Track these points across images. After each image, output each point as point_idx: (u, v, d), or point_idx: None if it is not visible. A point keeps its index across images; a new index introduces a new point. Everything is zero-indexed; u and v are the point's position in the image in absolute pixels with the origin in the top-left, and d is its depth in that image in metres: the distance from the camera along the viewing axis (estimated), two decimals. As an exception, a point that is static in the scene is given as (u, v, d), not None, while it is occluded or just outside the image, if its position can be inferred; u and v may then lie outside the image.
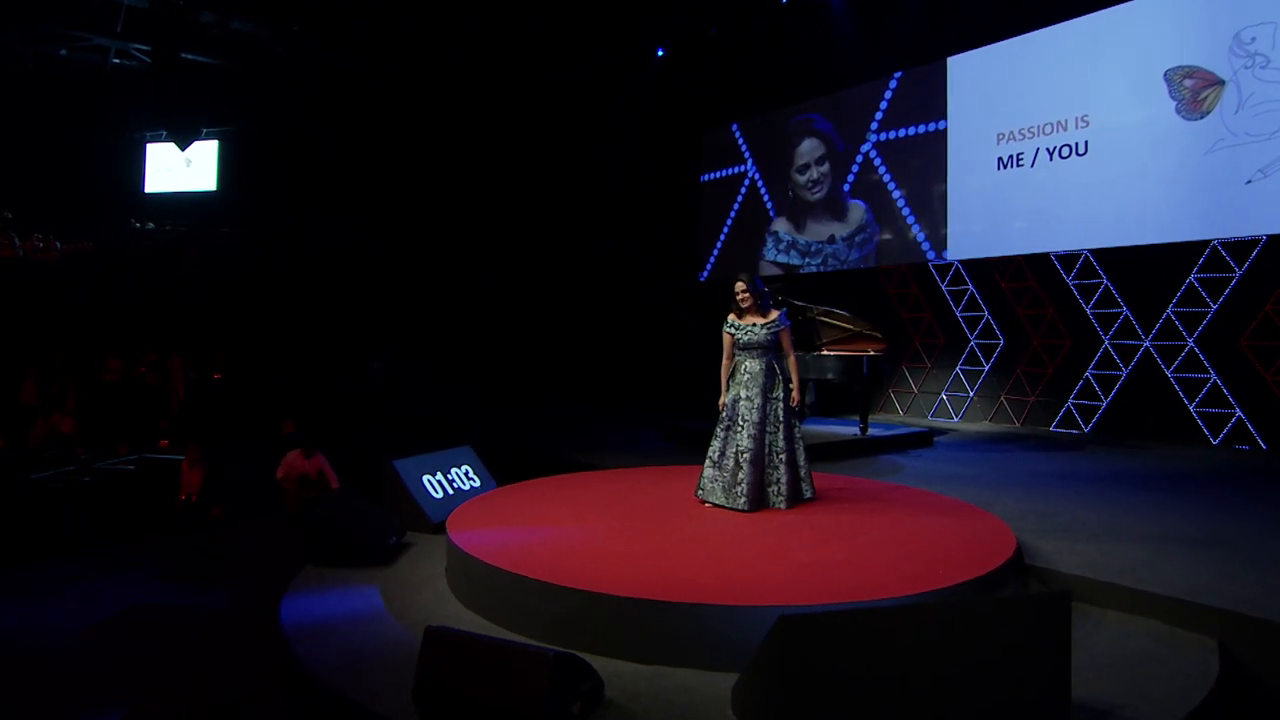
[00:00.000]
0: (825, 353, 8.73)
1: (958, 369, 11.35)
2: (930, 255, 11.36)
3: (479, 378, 13.67)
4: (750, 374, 5.32)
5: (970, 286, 11.19)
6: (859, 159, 12.25)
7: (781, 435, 5.29)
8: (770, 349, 5.37)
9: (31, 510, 6.32)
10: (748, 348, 5.36)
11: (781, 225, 13.47)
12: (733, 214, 14.31)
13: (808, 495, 5.36)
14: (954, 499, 5.70)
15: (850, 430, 8.77)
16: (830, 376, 8.56)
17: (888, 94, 11.80)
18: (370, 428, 10.27)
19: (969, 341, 11.24)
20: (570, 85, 14.38)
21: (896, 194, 11.76)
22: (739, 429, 5.27)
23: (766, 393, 5.30)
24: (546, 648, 2.75)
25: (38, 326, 12.18)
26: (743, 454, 5.21)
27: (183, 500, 7.11)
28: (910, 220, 11.56)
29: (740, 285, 5.37)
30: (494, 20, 13.57)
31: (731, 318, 5.41)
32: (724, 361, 5.46)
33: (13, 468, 6.85)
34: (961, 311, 11.32)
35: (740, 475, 5.19)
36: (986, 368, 11.03)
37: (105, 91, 15.11)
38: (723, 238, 14.47)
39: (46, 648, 4.95)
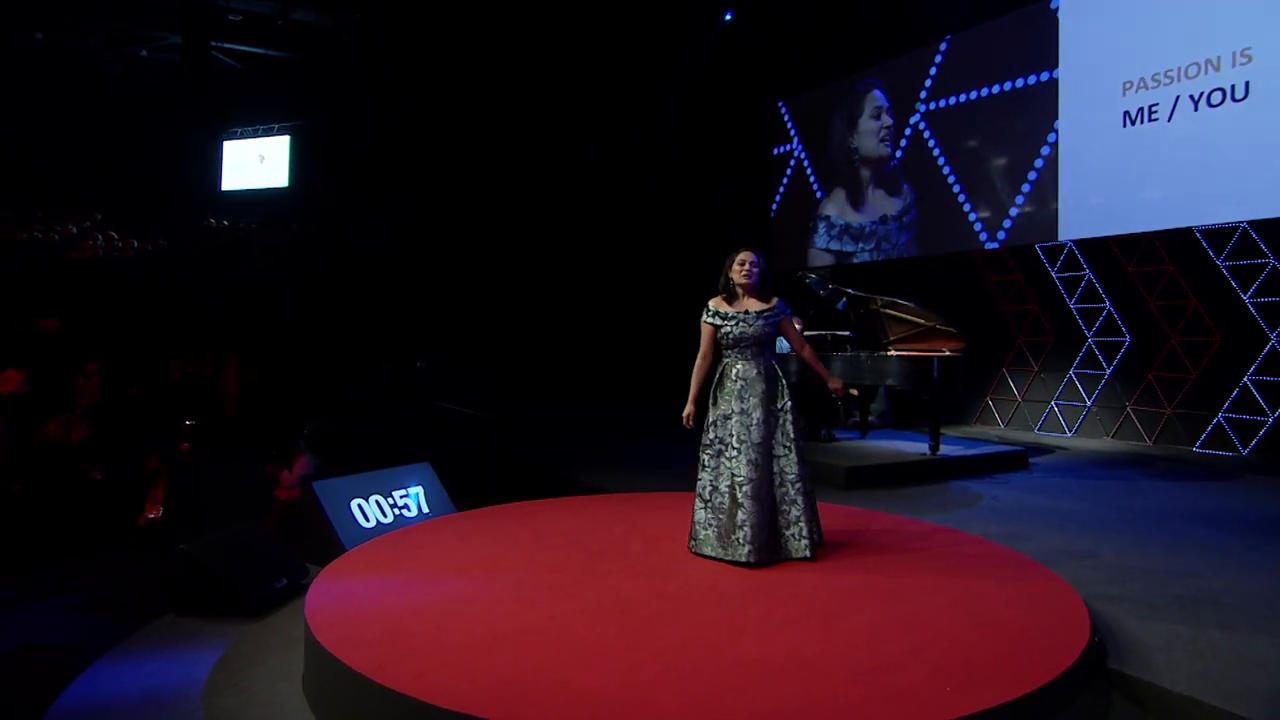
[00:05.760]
0: (889, 353, 7.18)
1: (1071, 373, 9.36)
2: (1001, 234, 9.44)
3: (521, 379, 12.87)
4: (745, 380, 3.98)
5: (1087, 272, 9.18)
6: (931, 125, 10.50)
7: (795, 459, 3.97)
8: (767, 345, 4.06)
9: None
10: (739, 344, 4.02)
11: (832, 208, 11.85)
12: (780, 194, 12.87)
13: (812, 553, 4.00)
14: (1017, 553, 4.15)
15: (919, 448, 7.18)
16: (891, 381, 7.01)
17: (975, 45, 9.92)
18: (382, 431, 9.61)
19: (1086, 339, 9.24)
20: (629, 61, 13.27)
21: (989, 163, 9.88)
22: (734, 454, 3.94)
23: (769, 403, 3.97)
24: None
25: (103, 327, 12.36)
26: (741, 486, 3.89)
27: (146, 518, 6.53)
28: (1009, 194, 9.65)
29: (745, 255, 4.04)
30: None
31: (716, 303, 4.09)
32: (699, 361, 4.12)
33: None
34: (1076, 303, 9.32)
35: (741, 516, 3.87)
36: (1108, 372, 9.01)
37: (184, 90, 15.36)
38: (782, 221, 13.00)
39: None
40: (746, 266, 4.03)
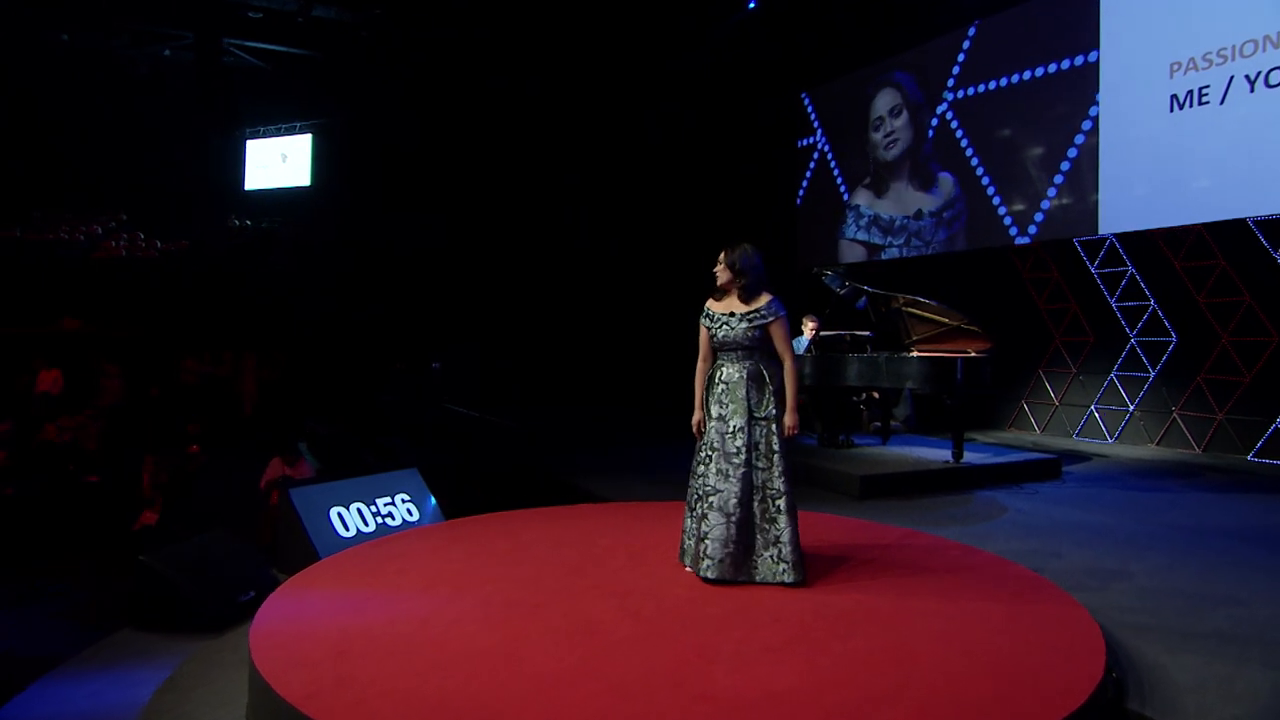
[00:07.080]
0: (911, 354, 6.78)
1: (1113, 375, 8.81)
2: (1035, 229, 8.88)
3: (536, 379, 12.66)
4: (727, 385, 3.70)
5: (1130, 267, 8.63)
6: (958, 114, 9.99)
7: (778, 472, 3.62)
8: (755, 349, 3.74)
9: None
10: (724, 347, 3.75)
11: (862, 198, 11.39)
12: (804, 187, 12.38)
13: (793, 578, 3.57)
14: (1033, 573, 3.77)
15: (942, 455, 6.75)
16: (912, 384, 6.60)
17: (1005, 30, 9.38)
18: (396, 431, 9.47)
19: (1129, 339, 8.68)
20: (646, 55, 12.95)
21: (1023, 154, 9.33)
22: (708, 461, 3.68)
23: (750, 411, 3.66)
24: None
25: (125, 327, 12.44)
26: (707, 497, 3.62)
27: (142, 524, 6.42)
28: (1045, 186, 9.09)
29: (721, 256, 3.78)
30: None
31: (709, 303, 3.85)
32: (700, 364, 3.87)
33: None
34: (1118, 301, 8.77)
35: (704, 528, 3.60)
36: (1153, 374, 8.45)
37: (204, 89, 15.39)
38: (805, 215, 12.54)
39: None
40: (716, 264, 3.77)
